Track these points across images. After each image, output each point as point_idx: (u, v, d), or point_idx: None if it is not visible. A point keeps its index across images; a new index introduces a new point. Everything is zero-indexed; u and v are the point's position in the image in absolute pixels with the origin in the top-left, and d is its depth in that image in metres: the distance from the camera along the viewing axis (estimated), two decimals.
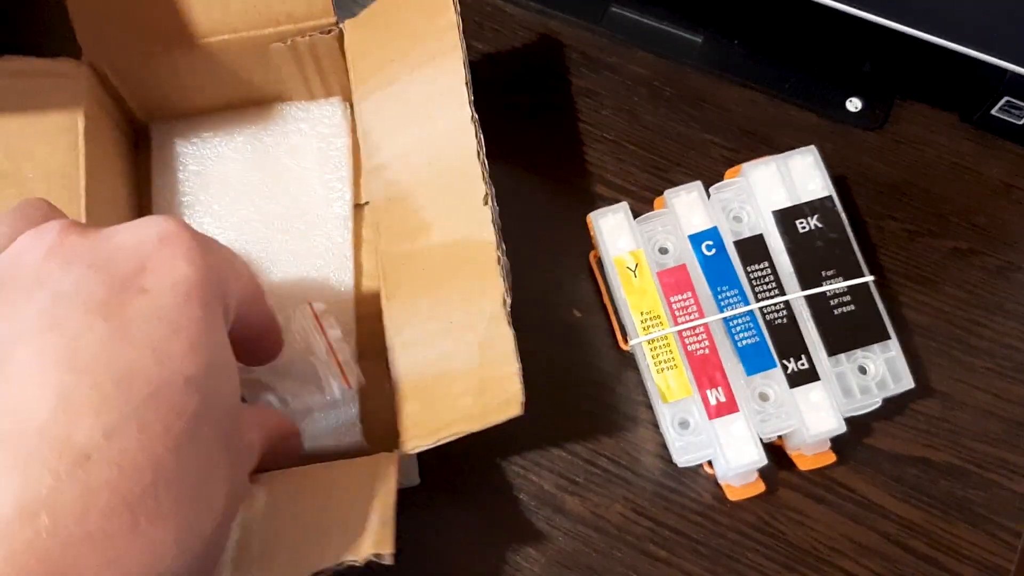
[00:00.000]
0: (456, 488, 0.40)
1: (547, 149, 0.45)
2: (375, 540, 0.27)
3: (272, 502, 0.30)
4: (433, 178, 0.34)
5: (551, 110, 0.45)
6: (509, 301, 0.31)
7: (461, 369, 0.32)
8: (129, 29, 0.37)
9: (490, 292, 0.31)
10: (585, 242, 0.42)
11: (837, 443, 0.39)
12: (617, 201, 0.41)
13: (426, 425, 0.32)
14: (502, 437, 0.40)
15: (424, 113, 0.35)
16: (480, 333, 0.31)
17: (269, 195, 0.41)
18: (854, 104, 0.44)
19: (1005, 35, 0.37)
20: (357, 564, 0.27)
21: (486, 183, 0.32)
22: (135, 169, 0.42)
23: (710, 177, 0.41)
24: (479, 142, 0.33)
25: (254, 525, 0.29)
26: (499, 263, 0.31)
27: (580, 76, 0.46)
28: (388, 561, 0.27)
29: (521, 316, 0.42)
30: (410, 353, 0.34)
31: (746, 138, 0.44)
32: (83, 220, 0.35)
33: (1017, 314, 0.42)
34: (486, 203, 0.32)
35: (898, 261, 0.43)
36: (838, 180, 0.44)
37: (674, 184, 0.41)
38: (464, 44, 0.35)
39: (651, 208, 0.42)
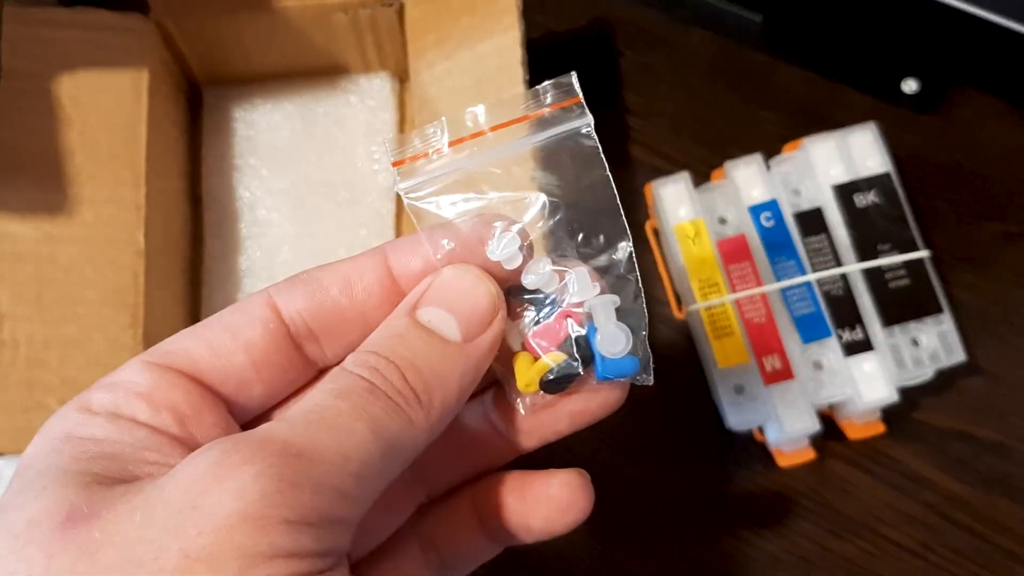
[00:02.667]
0: None
1: (605, 121, 0.46)
2: None
3: None
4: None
5: (610, 84, 0.46)
6: None
7: None
8: None
9: None
10: (640, 213, 0.43)
11: (885, 415, 0.39)
12: (673, 173, 0.42)
13: None
14: None
15: (479, 90, 0.36)
16: None
17: (316, 163, 0.42)
18: (910, 86, 0.45)
19: None
20: None
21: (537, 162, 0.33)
22: (191, 130, 0.43)
23: (765, 153, 0.42)
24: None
25: None
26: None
27: (639, 52, 0.47)
28: None
29: None
30: None
31: (801, 116, 0.45)
32: (142, 177, 0.36)
33: None
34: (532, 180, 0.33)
35: (948, 242, 0.44)
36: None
37: (729, 159, 0.42)
38: (523, 23, 0.36)
39: (707, 181, 0.43)
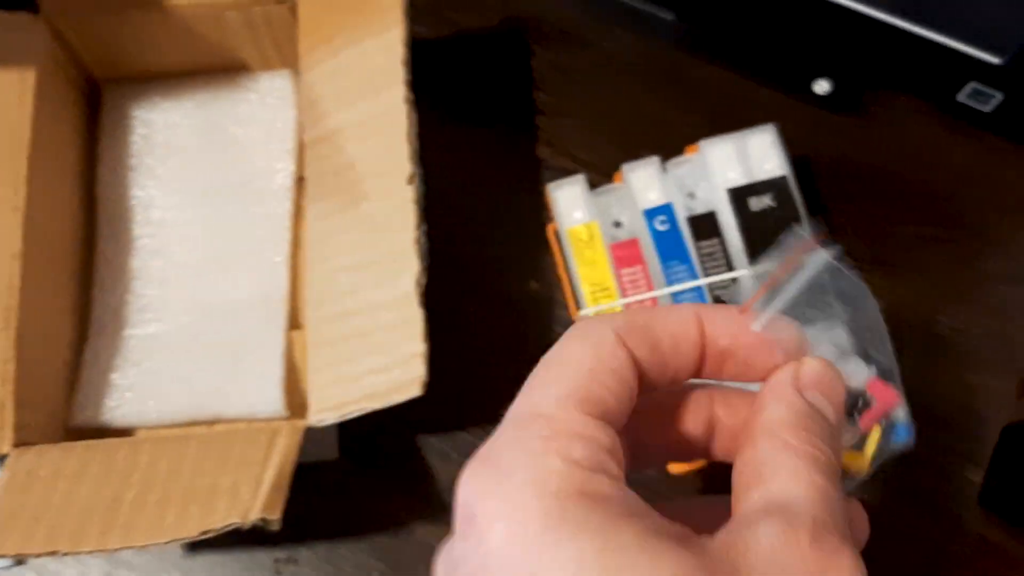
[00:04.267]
0: (395, 460, 0.40)
1: (516, 122, 0.45)
2: (263, 505, 0.28)
3: (170, 463, 0.31)
4: (363, 154, 0.35)
5: (521, 83, 0.46)
6: (423, 281, 0.31)
7: (371, 346, 0.32)
8: None
9: (406, 271, 0.32)
10: (545, 215, 0.42)
11: None
12: (581, 175, 0.41)
13: (333, 399, 0.32)
14: (454, 408, 0.41)
15: (362, 89, 0.36)
16: (393, 312, 0.32)
17: (214, 163, 0.41)
18: (822, 87, 0.44)
19: (964, 19, 0.36)
20: (243, 527, 0.28)
21: (413, 163, 0.33)
22: (88, 129, 0.43)
23: (677, 154, 0.41)
24: (411, 122, 0.33)
25: (145, 482, 0.30)
26: (417, 243, 0.32)
27: (552, 51, 0.46)
28: (275, 527, 0.28)
29: (479, 287, 0.43)
30: (325, 326, 0.34)
31: (715, 116, 0.44)
32: (23, 178, 0.36)
33: (977, 303, 0.42)
34: (410, 183, 0.32)
35: (865, 245, 0.43)
36: (804, 161, 0.44)
37: (639, 160, 0.41)
38: (407, 22, 0.35)
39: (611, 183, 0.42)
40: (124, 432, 0.39)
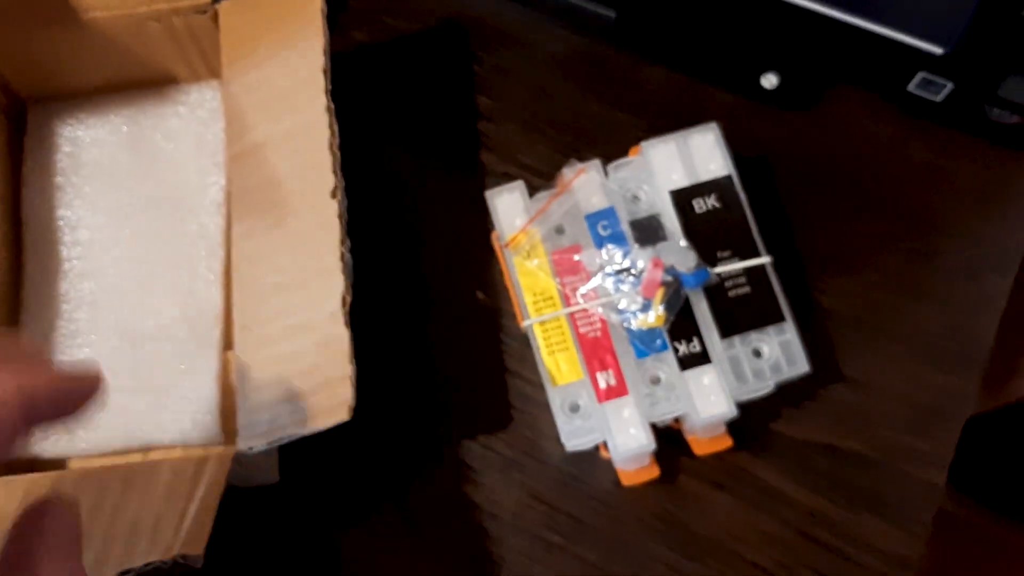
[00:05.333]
0: (338, 480, 0.39)
1: (458, 128, 0.44)
2: (185, 540, 0.27)
3: (92, 500, 0.29)
4: (287, 168, 0.34)
5: (462, 88, 0.45)
6: (349, 300, 0.30)
7: (298, 369, 0.31)
8: (6, 2, 0.37)
9: (332, 291, 0.31)
10: (490, 222, 0.41)
11: (741, 429, 0.38)
12: (529, 182, 0.40)
13: (262, 425, 0.31)
14: (399, 421, 0.40)
15: (284, 102, 0.34)
16: (319, 333, 0.31)
17: (144, 179, 0.40)
18: (770, 80, 0.43)
19: (906, 10, 0.35)
20: (164, 566, 0.27)
21: (336, 175, 0.32)
22: (12, 150, 0.41)
23: (622, 155, 0.40)
24: (332, 132, 0.32)
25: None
26: (342, 259, 0.31)
27: (494, 53, 0.45)
28: (196, 564, 0.27)
29: (425, 299, 0.41)
30: (253, 349, 0.33)
31: (660, 116, 0.43)
32: None
33: (935, 300, 0.41)
34: (334, 196, 0.31)
35: (818, 244, 0.42)
36: (755, 160, 0.42)
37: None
38: (327, 31, 0.34)
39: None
40: (56, 463, 0.37)
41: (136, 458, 0.37)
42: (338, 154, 0.32)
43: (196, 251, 0.39)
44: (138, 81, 0.41)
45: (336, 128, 0.32)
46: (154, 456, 0.37)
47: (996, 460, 0.60)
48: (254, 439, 0.31)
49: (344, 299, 0.31)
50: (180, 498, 0.30)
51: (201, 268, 0.39)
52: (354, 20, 0.46)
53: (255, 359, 0.33)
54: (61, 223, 0.40)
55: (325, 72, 0.33)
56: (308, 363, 0.31)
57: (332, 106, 0.33)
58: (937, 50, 0.37)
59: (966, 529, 0.44)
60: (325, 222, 0.32)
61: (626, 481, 0.37)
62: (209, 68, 0.40)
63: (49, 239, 0.39)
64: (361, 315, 0.40)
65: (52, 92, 0.41)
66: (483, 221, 0.41)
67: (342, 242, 0.31)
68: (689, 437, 0.37)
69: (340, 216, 0.31)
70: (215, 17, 0.38)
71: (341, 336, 0.30)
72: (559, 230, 0.38)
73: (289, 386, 0.31)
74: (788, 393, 0.38)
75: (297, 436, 0.30)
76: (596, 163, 0.38)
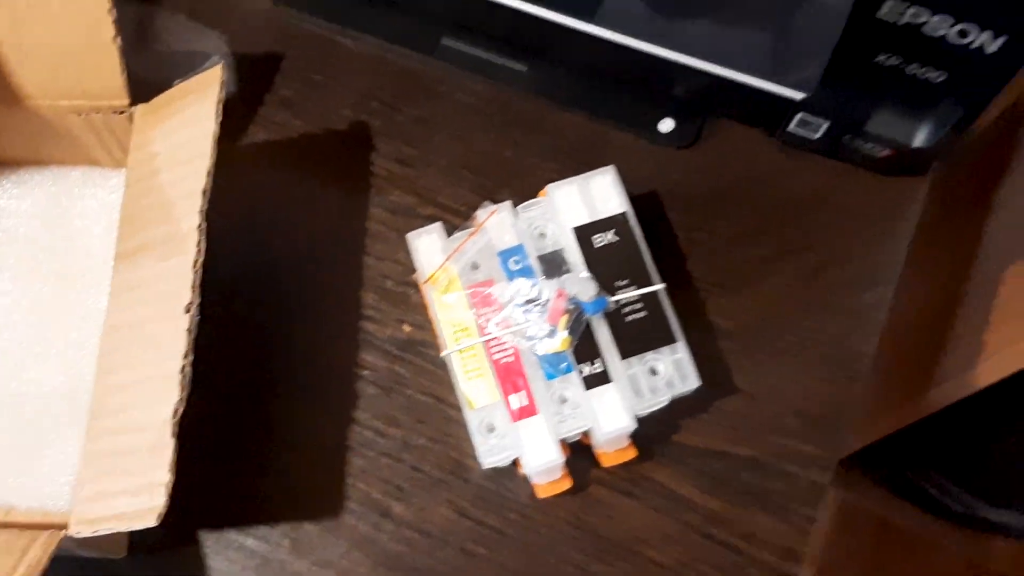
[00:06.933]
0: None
1: (384, 173, 0.48)
2: None
3: None
4: (156, 274, 0.37)
5: (388, 137, 0.48)
6: (181, 411, 0.33)
7: (129, 466, 0.34)
8: None
9: (167, 399, 0.33)
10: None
11: (645, 440, 0.42)
12: (450, 222, 0.44)
13: (91, 512, 0.34)
14: (334, 447, 0.43)
15: (166, 211, 0.38)
16: (151, 436, 0.33)
17: (55, 252, 0.44)
18: (667, 125, 0.48)
19: (768, 59, 0.40)
20: None
21: (194, 291, 0.35)
22: None
23: (534, 195, 0.44)
24: (199, 251, 0.35)
25: None
26: (182, 372, 0.33)
27: (416, 105, 0.49)
28: None
29: (355, 333, 0.45)
30: (98, 438, 0.36)
31: (569, 159, 0.47)
32: None
33: (819, 315, 0.45)
34: (187, 311, 0.34)
35: (709, 270, 0.46)
36: (652, 196, 0.47)
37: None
38: (215, 149, 0.37)
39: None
40: None
41: None
42: (200, 271, 0.35)
43: (85, 329, 0.42)
44: (64, 160, 0.45)
45: (203, 246, 0.35)
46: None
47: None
48: (82, 525, 0.34)
49: (176, 409, 0.33)
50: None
51: (85, 341, 0.42)
52: (283, 78, 0.50)
53: (98, 448, 0.36)
54: None
55: (205, 192, 0.36)
56: (137, 462, 0.33)
57: (204, 225, 0.36)
58: (798, 96, 0.41)
59: (863, 522, 0.48)
60: (176, 334, 0.34)
61: (541, 494, 0.41)
62: (127, 157, 0.44)
63: None
64: (302, 347, 0.44)
65: None
66: (409, 260, 0.45)
67: (185, 355, 0.34)
68: (597, 451, 0.41)
69: (190, 330, 0.34)
70: (131, 117, 0.42)
71: (167, 444, 0.33)
72: (474, 266, 0.42)
73: (118, 481, 0.34)
74: (687, 406, 0.42)
75: (115, 530, 0.33)
76: (507, 204, 0.42)
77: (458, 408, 0.42)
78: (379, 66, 0.50)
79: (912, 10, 0.37)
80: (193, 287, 0.35)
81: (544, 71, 0.49)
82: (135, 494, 0.33)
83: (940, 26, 0.37)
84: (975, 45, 0.37)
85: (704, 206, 0.47)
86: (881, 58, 0.40)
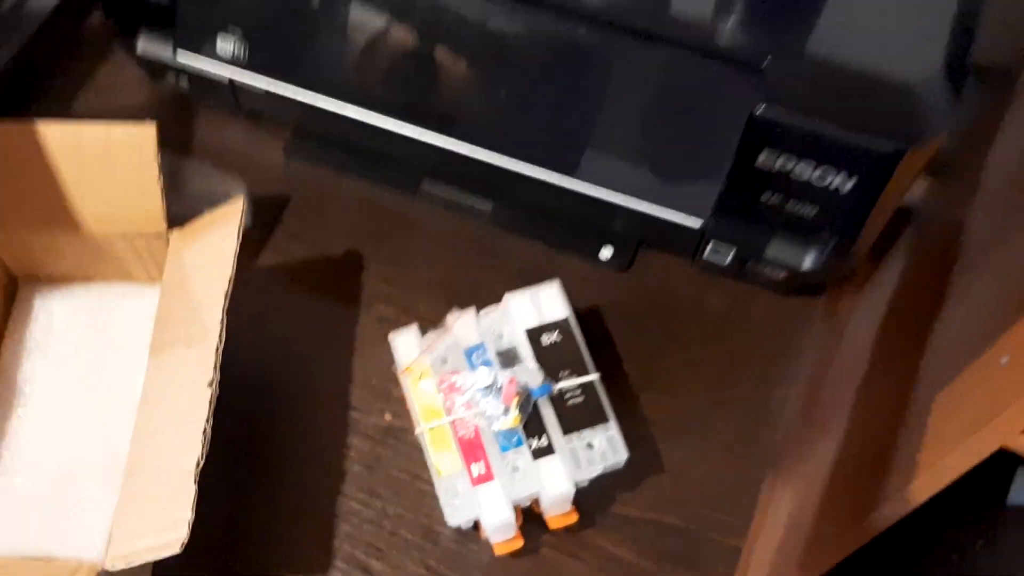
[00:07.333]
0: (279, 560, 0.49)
1: (372, 291, 0.58)
2: None
3: None
4: (180, 360, 0.46)
5: (376, 261, 0.59)
6: (201, 463, 0.41)
7: (155, 510, 0.42)
8: (16, 208, 0.51)
9: (191, 454, 0.42)
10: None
11: (587, 509, 0.49)
12: (424, 328, 0.53)
13: (127, 548, 0.41)
14: (325, 514, 0.50)
15: (195, 311, 0.47)
16: (176, 483, 0.41)
17: (97, 353, 0.53)
18: (607, 252, 0.58)
19: (669, 192, 0.51)
20: None
21: (215, 371, 0.44)
22: (3, 316, 0.54)
23: (492, 303, 0.54)
24: (221, 339, 0.45)
25: None
26: (203, 433, 0.42)
27: (401, 235, 0.60)
28: None
29: (344, 420, 0.53)
30: (130, 490, 0.44)
31: (523, 276, 0.57)
32: None
33: (732, 408, 0.54)
34: (210, 386, 0.43)
35: (641, 371, 0.55)
36: (595, 310, 0.57)
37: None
38: (235, 265, 0.47)
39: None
40: None
41: (35, 564, 0.47)
42: (220, 355, 0.44)
43: (122, 409, 0.51)
44: (108, 276, 0.55)
45: (223, 336, 0.45)
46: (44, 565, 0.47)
47: None
48: (118, 559, 0.41)
49: (198, 462, 0.41)
50: None
51: (123, 422, 0.50)
52: (289, 216, 0.60)
53: (134, 494, 0.44)
54: (20, 377, 0.52)
55: (226, 295, 0.46)
56: (164, 505, 0.41)
57: (225, 320, 0.45)
58: (695, 223, 0.52)
59: None
60: (199, 404, 0.43)
61: (498, 551, 0.48)
62: (162, 274, 0.54)
63: (9, 388, 0.52)
64: (300, 430, 0.52)
65: (39, 275, 0.55)
66: (392, 361, 0.54)
67: (207, 420, 0.42)
68: (546, 516, 0.49)
69: (210, 402, 0.43)
70: (167, 240, 0.52)
71: (190, 489, 0.41)
72: (444, 360, 0.51)
73: (148, 522, 0.42)
74: (623, 481, 0.50)
75: (148, 560, 0.40)
76: (472, 310, 0.52)
77: (430, 482, 0.50)
78: (370, 204, 0.61)
79: (781, 159, 0.48)
80: (215, 367, 0.44)
81: (506, 208, 0.59)
82: (162, 530, 0.40)
83: (805, 171, 0.48)
84: (834, 186, 0.48)
85: (637, 318, 0.57)
86: (766, 196, 0.50)
